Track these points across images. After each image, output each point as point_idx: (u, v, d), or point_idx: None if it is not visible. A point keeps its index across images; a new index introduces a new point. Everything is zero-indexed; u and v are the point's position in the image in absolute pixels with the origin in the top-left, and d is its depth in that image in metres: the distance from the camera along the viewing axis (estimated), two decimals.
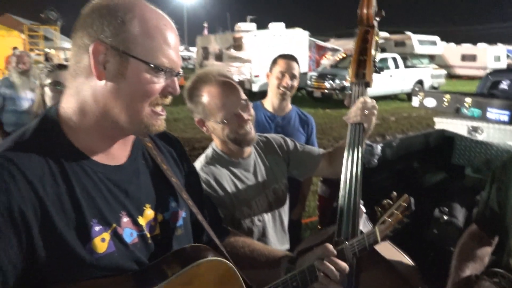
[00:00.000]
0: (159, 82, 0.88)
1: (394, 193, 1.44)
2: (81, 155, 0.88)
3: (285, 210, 1.78)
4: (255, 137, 1.60)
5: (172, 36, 0.90)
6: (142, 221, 0.94)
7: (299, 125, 2.66)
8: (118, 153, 0.95)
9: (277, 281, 1.01)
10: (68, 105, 0.89)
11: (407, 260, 1.54)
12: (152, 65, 0.86)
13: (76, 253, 0.81)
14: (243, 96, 1.56)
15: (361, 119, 1.45)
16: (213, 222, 1.19)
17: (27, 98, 4.17)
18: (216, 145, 1.66)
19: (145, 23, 0.86)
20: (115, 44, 0.83)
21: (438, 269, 1.81)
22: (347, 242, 1.18)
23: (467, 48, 27.79)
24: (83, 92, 0.87)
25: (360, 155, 1.43)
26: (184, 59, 36.97)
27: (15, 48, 13.78)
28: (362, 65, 1.43)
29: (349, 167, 1.43)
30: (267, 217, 1.67)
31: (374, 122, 1.50)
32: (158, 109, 0.91)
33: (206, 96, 1.51)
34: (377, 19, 1.43)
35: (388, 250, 1.49)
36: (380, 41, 1.52)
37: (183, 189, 1.07)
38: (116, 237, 0.87)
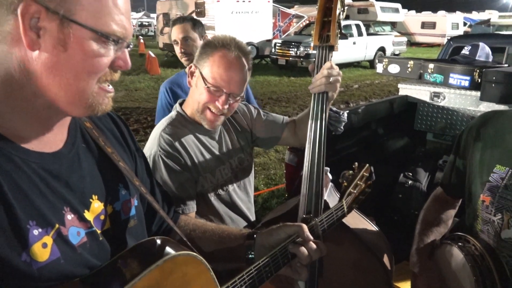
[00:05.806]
0: (108, 55, 0.73)
1: (356, 163, 1.41)
2: (6, 142, 0.70)
3: (250, 180, 1.72)
4: (216, 127, 1.55)
5: None
6: (89, 216, 0.80)
7: None
8: (53, 138, 0.79)
9: (249, 268, 0.92)
10: None
11: (372, 226, 1.53)
12: (101, 33, 0.70)
13: (11, 265, 0.65)
14: (242, 92, 1.48)
15: (326, 87, 1.39)
16: (164, 205, 1.09)
17: None
18: (184, 107, 1.56)
19: None
20: (52, 6, 0.66)
21: (403, 233, 1.83)
22: (316, 219, 1.14)
23: (427, 15, 28.24)
24: (6, 63, 0.68)
25: (324, 122, 1.37)
26: (144, 25, 35.26)
27: None
28: (326, 27, 1.34)
29: (313, 135, 1.37)
30: (232, 187, 1.62)
31: (338, 90, 1.45)
32: (106, 85, 0.76)
33: (217, 56, 1.42)
34: None
35: (353, 218, 1.47)
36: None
37: (133, 174, 0.93)
38: (61, 239, 0.73)
